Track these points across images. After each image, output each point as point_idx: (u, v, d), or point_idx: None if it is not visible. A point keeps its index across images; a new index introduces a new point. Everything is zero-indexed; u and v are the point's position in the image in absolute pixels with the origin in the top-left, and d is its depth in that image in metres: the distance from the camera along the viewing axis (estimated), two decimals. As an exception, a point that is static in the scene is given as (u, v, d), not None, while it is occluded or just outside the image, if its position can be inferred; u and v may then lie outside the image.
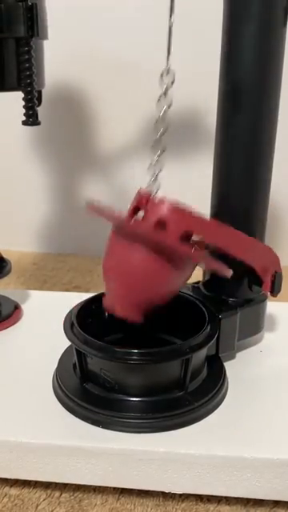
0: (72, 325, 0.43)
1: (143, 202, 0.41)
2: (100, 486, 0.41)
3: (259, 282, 0.45)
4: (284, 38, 0.41)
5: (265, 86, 0.42)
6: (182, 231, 0.39)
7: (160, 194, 0.40)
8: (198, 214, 0.40)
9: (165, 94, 0.39)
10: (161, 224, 0.39)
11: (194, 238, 0.41)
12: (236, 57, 0.41)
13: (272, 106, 0.43)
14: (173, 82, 0.38)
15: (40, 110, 0.49)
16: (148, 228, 0.40)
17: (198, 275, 0.48)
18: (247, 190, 0.45)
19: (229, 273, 0.41)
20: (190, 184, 0.83)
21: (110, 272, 0.42)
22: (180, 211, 0.40)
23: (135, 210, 0.42)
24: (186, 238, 0.40)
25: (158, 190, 0.40)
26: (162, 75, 0.38)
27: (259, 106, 0.42)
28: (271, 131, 0.44)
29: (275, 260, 0.45)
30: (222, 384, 0.44)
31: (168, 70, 0.38)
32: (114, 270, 0.42)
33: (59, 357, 0.47)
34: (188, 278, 0.43)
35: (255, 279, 0.45)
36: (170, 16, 0.37)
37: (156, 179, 0.40)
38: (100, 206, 0.40)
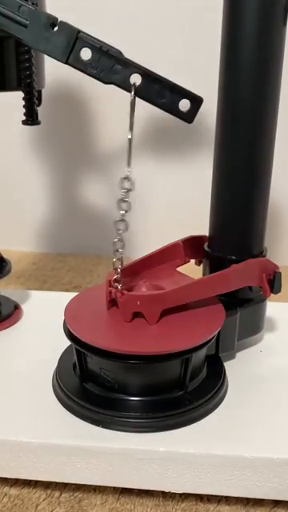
0: (72, 324, 0.43)
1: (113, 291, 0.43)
2: (100, 486, 0.41)
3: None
4: (284, 36, 0.41)
5: (265, 83, 0.42)
6: (160, 311, 0.42)
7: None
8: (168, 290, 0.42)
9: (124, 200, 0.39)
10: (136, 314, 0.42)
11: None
12: (236, 54, 0.41)
13: (273, 104, 0.43)
14: (130, 190, 0.39)
15: (40, 109, 0.49)
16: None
17: (197, 275, 0.48)
18: (247, 190, 0.45)
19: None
20: (190, 184, 0.83)
21: None
22: (152, 299, 0.42)
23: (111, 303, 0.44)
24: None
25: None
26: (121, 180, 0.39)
27: (260, 104, 0.42)
28: (271, 131, 0.44)
29: (267, 266, 0.45)
30: (222, 384, 0.44)
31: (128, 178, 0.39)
32: None
33: (59, 356, 0.47)
34: None
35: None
36: (130, 129, 0.38)
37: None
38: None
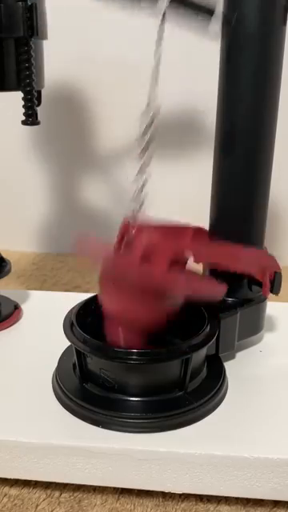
0: (72, 325, 0.43)
1: (126, 230, 0.40)
2: (100, 486, 0.41)
3: (259, 283, 0.45)
4: (284, 36, 0.41)
5: (265, 83, 0.42)
6: (169, 260, 0.39)
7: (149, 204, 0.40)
8: (181, 236, 0.40)
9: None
10: (146, 257, 0.39)
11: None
12: (235, 55, 0.41)
13: (273, 104, 0.43)
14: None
15: (40, 109, 0.49)
16: (134, 268, 0.39)
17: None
18: (247, 190, 0.45)
19: (222, 292, 0.41)
20: (190, 184, 0.83)
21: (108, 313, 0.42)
22: (162, 238, 0.39)
23: (122, 241, 0.41)
24: (176, 262, 0.39)
25: (143, 203, 0.39)
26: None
27: (260, 104, 0.42)
28: (271, 130, 0.44)
29: (271, 262, 0.45)
30: (222, 384, 0.44)
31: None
32: (112, 311, 0.42)
33: (59, 357, 0.47)
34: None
35: (255, 280, 0.45)
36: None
37: (141, 191, 0.39)
38: (88, 244, 0.40)
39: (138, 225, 0.40)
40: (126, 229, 0.41)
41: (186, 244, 0.40)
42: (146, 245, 0.39)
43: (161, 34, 0.35)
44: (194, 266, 0.50)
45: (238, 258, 0.43)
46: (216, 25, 0.38)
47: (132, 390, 0.41)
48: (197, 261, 0.41)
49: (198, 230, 0.42)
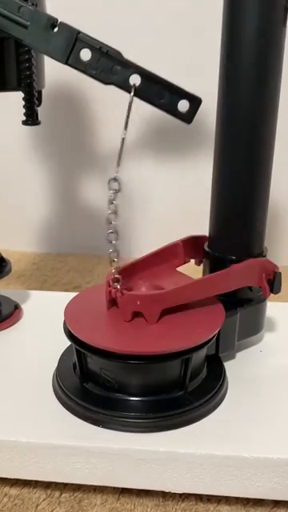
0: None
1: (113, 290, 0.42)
2: (100, 486, 0.41)
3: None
4: (284, 36, 0.41)
5: (265, 83, 0.41)
6: (160, 311, 0.42)
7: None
8: (168, 289, 0.42)
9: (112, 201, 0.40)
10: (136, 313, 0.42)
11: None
12: (236, 55, 0.41)
13: (273, 104, 0.43)
14: (118, 191, 0.39)
15: (40, 110, 0.49)
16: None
17: (198, 275, 0.48)
18: (247, 189, 0.45)
19: None
20: (190, 184, 0.83)
21: None
22: (152, 299, 0.41)
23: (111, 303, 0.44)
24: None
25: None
26: (108, 182, 0.39)
27: (260, 105, 0.42)
28: (271, 131, 0.44)
29: (267, 266, 0.45)
30: (222, 384, 0.44)
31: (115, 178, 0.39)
32: None
33: (59, 356, 0.47)
34: None
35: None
36: (125, 128, 0.38)
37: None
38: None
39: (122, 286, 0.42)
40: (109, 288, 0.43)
41: (170, 296, 0.42)
42: (134, 307, 0.42)
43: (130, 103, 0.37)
44: (193, 265, 0.51)
45: (229, 282, 0.44)
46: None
47: (132, 390, 0.41)
48: (187, 300, 0.43)
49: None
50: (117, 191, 0.39)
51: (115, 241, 0.41)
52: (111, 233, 0.40)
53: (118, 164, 0.39)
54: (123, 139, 0.38)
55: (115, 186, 0.39)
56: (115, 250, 0.41)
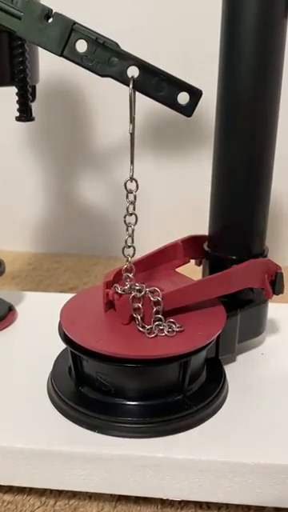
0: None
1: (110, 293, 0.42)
2: (96, 493, 0.41)
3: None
4: (285, 29, 0.41)
5: (266, 77, 0.41)
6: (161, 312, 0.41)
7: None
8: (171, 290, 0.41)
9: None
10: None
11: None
12: (237, 48, 0.41)
13: (274, 100, 0.42)
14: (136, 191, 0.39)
15: (34, 105, 0.48)
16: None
17: (197, 275, 0.47)
18: (248, 189, 0.44)
19: None
20: (190, 183, 0.82)
21: None
22: (150, 301, 0.40)
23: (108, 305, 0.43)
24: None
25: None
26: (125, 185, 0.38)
27: (261, 100, 0.42)
28: (272, 129, 0.43)
29: (269, 266, 0.44)
30: (222, 387, 0.43)
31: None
32: None
33: (54, 360, 0.46)
34: None
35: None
36: (131, 122, 0.36)
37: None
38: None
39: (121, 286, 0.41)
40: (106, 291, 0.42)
41: (173, 296, 0.41)
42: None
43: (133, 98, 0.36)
44: (193, 265, 0.50)
45: (229, 283, 0.43)
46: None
47: (129, 394, 0.41)
48: (189, 302, 0.43)
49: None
50: (134, 192, 0.38)
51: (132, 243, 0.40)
52: (129, 236, 0.40)
53: (132, 162, 0.38)
54: (132, 134, 0.37)
55: (132, 186, 0.38)
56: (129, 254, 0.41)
